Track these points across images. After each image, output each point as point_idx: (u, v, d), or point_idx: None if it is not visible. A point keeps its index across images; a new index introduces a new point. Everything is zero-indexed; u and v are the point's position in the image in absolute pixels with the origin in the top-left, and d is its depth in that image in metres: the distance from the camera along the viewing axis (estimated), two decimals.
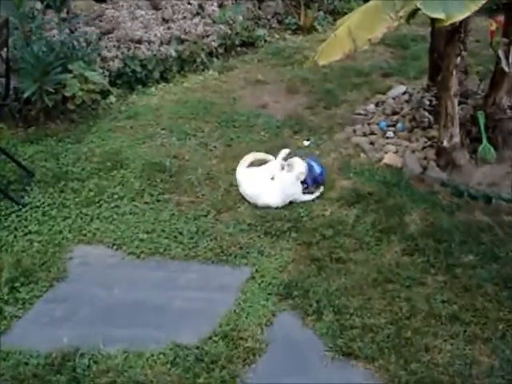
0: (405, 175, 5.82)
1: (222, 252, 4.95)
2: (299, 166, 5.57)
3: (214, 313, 4.40)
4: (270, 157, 5.87)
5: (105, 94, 7.48)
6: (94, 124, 6.99)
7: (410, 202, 5.48)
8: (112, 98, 7.57)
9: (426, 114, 6.43)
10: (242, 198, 5.61)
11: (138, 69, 7.82)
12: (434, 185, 5.67)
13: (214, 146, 6.56)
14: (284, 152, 5.78)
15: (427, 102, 6.50)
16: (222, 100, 7.58)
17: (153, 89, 7.88)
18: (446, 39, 5.59)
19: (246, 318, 4.35)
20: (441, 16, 4.39)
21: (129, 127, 6.95)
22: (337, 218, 5.31)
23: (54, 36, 7.33)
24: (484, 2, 4.45)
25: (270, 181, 5.54)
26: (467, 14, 4.46)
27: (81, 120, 7.06)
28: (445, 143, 5.79)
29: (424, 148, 6.16)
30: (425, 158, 6.01)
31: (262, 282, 4.67)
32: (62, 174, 6.00)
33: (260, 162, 5.83)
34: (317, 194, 5.58)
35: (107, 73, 7.52)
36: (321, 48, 5.14)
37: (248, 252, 4.96)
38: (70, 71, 6.82)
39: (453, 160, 5.81)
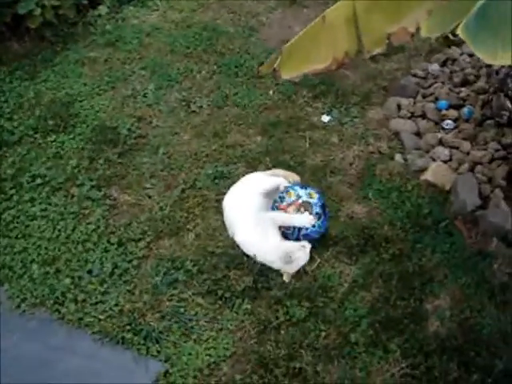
0: (450, 210, 3.54)
1: (130, 324, 3.06)
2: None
3: None
4: (280, 180, 3.48)
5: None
6: (64, 49, 5.04)
7: (445, 266, 3.26)
8: (102, 9, 5.46)
9: (508, 103, 3.86)
10: (198, 215, 3.61)
11: None
12: (492, 238, 3.35)
13: (199, 106, 4.44)
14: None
15: None
16: (237, 28, 5.23)
17: None
18: None
19: None
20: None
21: (103, 60, 4.91)
22: (323, 279, 3.21)
23: None
24: None
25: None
26: None
27: (53, 39, 5.11)
28: None
29: (492, 161, 3.73)
30: (489, 181, 3.63)
31: None
32: None
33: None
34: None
35: None
36: (290, 45, 2.69)
37: (169, 327, 3.05)
38: None
39: None
